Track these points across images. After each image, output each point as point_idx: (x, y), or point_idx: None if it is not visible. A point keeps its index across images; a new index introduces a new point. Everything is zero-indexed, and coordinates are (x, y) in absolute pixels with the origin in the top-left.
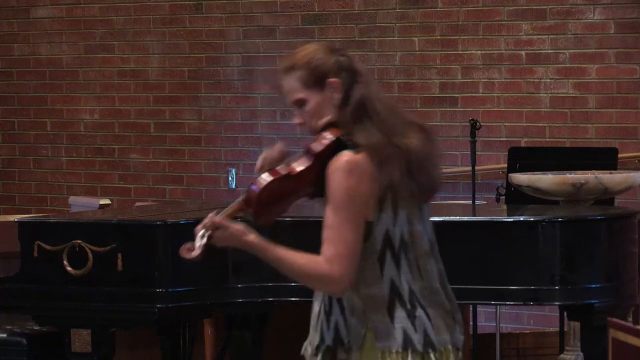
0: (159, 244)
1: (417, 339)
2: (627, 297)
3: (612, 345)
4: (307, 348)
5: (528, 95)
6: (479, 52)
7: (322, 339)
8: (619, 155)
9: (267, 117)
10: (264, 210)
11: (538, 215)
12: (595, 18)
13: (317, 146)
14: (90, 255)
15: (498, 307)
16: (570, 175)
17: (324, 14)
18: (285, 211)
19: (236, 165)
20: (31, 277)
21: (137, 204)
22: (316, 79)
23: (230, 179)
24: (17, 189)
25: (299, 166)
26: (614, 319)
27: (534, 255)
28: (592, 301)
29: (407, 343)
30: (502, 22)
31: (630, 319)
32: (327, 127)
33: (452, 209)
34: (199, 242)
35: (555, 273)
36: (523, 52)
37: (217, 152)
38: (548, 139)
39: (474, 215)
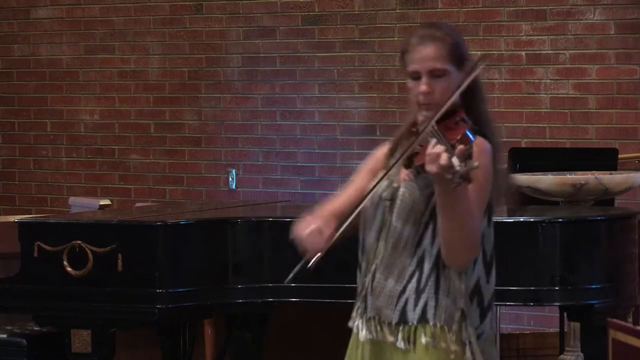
0: (159, 244)
1: (491, 335)
2: (627, 298)
3: (612, 346)
4: (372, 325)
5: (528, 95)
6: (479, 52)
7: (403, 319)
8: (619, 156)
9: (267, 117)
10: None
11: (538, 215)
12: (595, 18)
13: (467, 118)
14: (90, 255)
15: (498, 307)
16: (570, 176)
17: (324, 14)
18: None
19: (236, 165)
20: (31, 277)
21: (137, 204)
22: (460, 59)
23: (230, 179)
24: (17, 190)
25: (462, 129)
26: (614, 320)
27: (534, 256)
28: (592, 302)
29: (487, 335)
30: (502, 23)
31: (630, 319)
32: (455, 110)
33: None
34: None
35: (555, 273)
36: (523, 53)
37: (217, 153)
38: (548, 140)
39: None
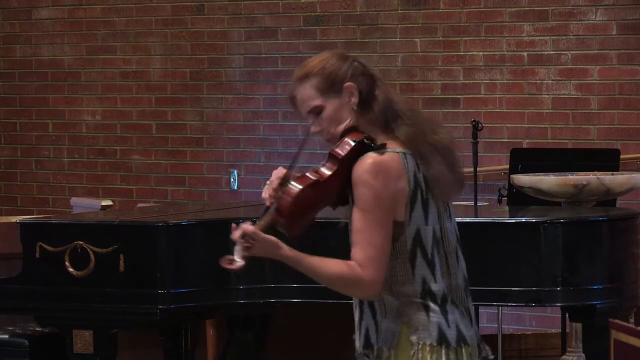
0: (161, 245)
1: (450, 334)
2: (629, 299)
3: (614, 347)
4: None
5: (530, 96)
6: (481, 53)
7: (357, 347)
8: (621, 157)
9: (269, 118)
10: (296, 220)
11: (540, 216)
12: (597, 19)
13: (343, 150)
14: (92, 256)
15: (500, 308)
16: (572, 177)
17: (325, 15)
18: (313, 221)
19: (238, 166)
20: (33, 278)
21: (139, 205)
22: (332, 85)
23: (232, 180)
24: (19, 190)
25: (327, 171)
26: (616, 320)
27: (536, 257)
28: (594, 302)
29: (442, 338)
30: (504, 23)
31: (632, 320)
32: (348, 131)
33: (454, 210)
34: (239, 253)
35: (557, 274)
36: (525, 54)
37: (219, 154)
38: (550, 140)
39: (476, 216)
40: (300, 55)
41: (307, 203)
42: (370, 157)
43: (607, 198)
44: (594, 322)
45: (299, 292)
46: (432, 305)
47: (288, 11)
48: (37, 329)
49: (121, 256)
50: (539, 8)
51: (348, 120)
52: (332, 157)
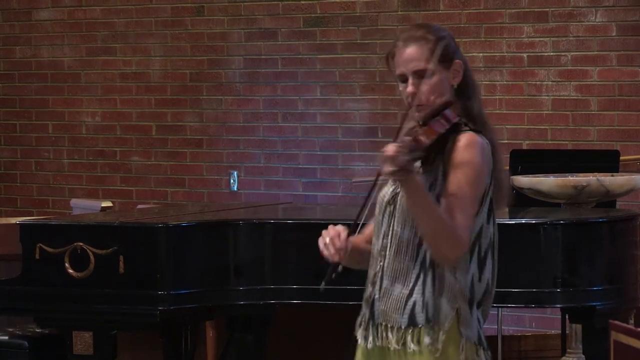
0: (160, 246)
1: (483, 337)
2: (629, 300)
3: (614, 348)
4: (379, 332)
5: (530, 97)
6: (481, 54)
7: (412, 322)
8: (621, 158)
9: (268, 119)
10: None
11: (540, 217)
12: (597, 20)
13: (452, 117)
14: (92, 257)
15: (500, 309)
16: (572, 178)
17: (325, 16)
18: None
19: (238, 167)
20: (33, 279)
21: (139, 206)
22: (444, 56)
23: (232, 181)
24: (19, 192)
25: (440, 128)
26: (616, 322)
27: (536, 258)
28: (594, 304)
29: (480, 339)
30: (504, 25)
31: (632, 321)
32: (447, 106)
33: None
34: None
35: (557, 275)
36: (525, 55)
37: (219, 155)
38: (550, 142)
39: None
40: (300, 56)
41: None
42: (474, 135)
43: (607, 199)
44: (594, 324)
45: (299, 293)
46: (472, 302)
47: (288, 12)
48: (37, 330)
49: (121, 257)
50: (539, 9)
51: (447, 95)
52: (445, 117)
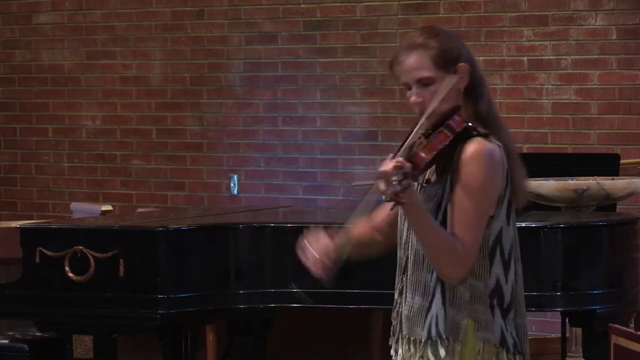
0: (160, 250)
1: (510, 340)
2: (629, 303)
3: (614, 352)
4: (404, 344)
5: (530, 101)
6: (481, 58)
7: (430, 335)
8: (621, 161)
9: (268, 123)
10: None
11: (540, 221)
12: (597, 24)
13: (457, 126)
14: (92, 261)
15: None
16: (572, 182)
17: (325, 20)
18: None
19: (238, 171)
20: (33, 283)
21: (139, 210)
22: (447, 61)
23: (232, 185)
24: (19, 195)
25: (442, 142)
26: (616, 325)
27: (536, 261)
28: (594, 307)
29: (503, 341)
30: (504, 28)
31: (632, 325)
32: (454, 111)
33: None
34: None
35: (557, 279)
36: (525, 58)
37: (219, 159)
38: (550, 145)
39: None
40: (300, 60)
41: (424, 165)
42: (481, 142)
43: (607, 203)
44: (594, 327)
45: (299, 297)
46: (497, 306)
47: (288, 16)
48: (37, 334)
49: (121, 261)
50: (539, 13)
51: (453, 101)
52: (448, 128)
